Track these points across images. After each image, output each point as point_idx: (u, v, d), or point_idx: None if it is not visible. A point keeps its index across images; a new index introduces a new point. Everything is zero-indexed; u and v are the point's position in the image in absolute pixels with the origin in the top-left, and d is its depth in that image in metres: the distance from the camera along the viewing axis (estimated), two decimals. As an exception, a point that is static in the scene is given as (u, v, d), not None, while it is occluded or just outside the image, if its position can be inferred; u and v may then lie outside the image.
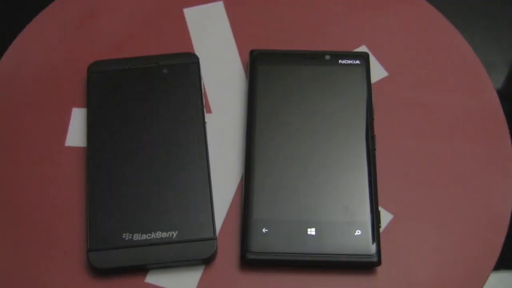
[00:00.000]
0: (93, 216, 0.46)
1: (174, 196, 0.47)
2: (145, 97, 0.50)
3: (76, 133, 0.51)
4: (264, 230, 0.46)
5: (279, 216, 0.46)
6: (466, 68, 0.54)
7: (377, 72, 0.53)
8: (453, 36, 0.55)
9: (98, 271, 0.45)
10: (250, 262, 0.45)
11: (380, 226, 0.46)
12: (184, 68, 0.51)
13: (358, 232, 0.45)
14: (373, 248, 0.45)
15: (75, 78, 0.53)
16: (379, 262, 0.45)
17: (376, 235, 0.45)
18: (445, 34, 0.55)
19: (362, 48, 0.54)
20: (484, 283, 0.46)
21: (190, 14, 0.56)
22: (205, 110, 0.50)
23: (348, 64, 0.51)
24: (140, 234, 0.46)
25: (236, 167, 0.50)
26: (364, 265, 0.45)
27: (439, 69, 0.54)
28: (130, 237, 0.45)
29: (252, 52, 0.52)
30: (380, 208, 0.48)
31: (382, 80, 0.53)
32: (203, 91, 0.51)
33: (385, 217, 0.48)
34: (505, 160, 0.50)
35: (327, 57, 0.52)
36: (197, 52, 0.54)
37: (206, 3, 0.57)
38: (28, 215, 0.48)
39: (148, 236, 0.45)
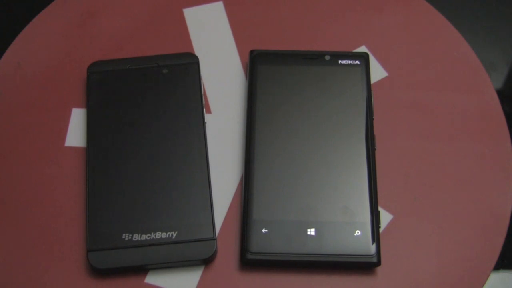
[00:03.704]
0: (93, 216, 0.46)
1: (174, 196, 0.47)
2: (145, 97, 0.50)
3: (76, 133, 0.51)
4: (264, 230, 0.46)
5: (279, 216, 0.46)
6: (466, 68, 0.54)
7: (377, 72, 0.53)
8: (453, 36, 0.55)
9: (98, 271, 0.45)
10: (249, 262, 0.45)
11: (380, 227, 0.46)
12: (184, 68, 0.51)
13: (358, 232, 0.45)
14: (373, 248, 0.45)
15: (75, 78, 0.53)
16: (378, 263, 0.45)
17: (376, 235, 0.45)
18: (445, 34, 0.55)
19: (362, 48, 0.54)
20: (484, 283, 0.46)
21: (190, 14, 0.56)
22: (205, 111, 0.50)
23: (348, 64, 0.51)
24: (140, 235, 0.46)
25: (236, 167, 0.50)
26: (363, 266, 0.45)
27: (439, 69, 0.54)
28: (130, 238, 0.45)
29: (252, 52, 0.52)
30: (380, 208, 0.48)
31: (382, 80, 0.53)
32: (203, 91, 0.51)
33: (385, 217, 0.48)
34: (505, 160, 0.50)
35: (327, 57, 0.52)
36: (197, 52, 0.54)
37: (206, 3, 0.57)
38: (28, 215, 0.48)
39: (148, 236, 0.45)
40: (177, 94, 0.50)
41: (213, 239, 0.46)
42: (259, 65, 0.51)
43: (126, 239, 0.45)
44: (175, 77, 0.51)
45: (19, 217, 0.48)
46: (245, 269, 0.46)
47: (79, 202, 0.48)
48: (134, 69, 0.51)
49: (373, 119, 0.50)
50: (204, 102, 0.51)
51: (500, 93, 0.53)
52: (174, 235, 0.45)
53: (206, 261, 0.46)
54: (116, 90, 0.51)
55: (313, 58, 0.52)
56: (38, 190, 0.49)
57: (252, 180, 0.47)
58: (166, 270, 0.46)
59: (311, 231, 0.46)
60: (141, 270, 0.46)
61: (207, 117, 0.51)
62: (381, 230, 0.47)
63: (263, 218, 0.46)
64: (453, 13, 0.57)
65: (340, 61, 0.51)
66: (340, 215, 0.46)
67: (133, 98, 0.50)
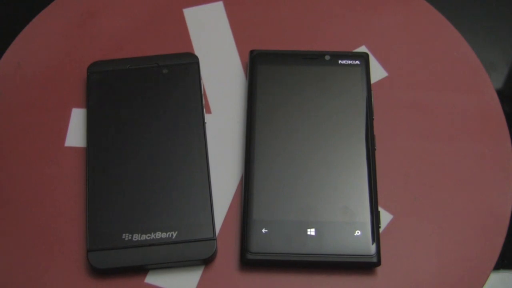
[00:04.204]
0: (93, 216, 0.46)
1: (174, 196, 0.47)
2: (145, 97, 0.50)
3: (76, 133, 0.51)
4: (264, 230, 0.46)
5: (279, 216, 0.46)
6: (466, 68, 0.54)
7: (377, 72, 0.53)
8: (453, 36, 0.55)
9: (98, 271, 0.45)
10: (250, 262, 0.45)
11: (380, 227, 0.46)
12: (184, 68, 0.51)
13: (358, 232, 0.45)
14: (373, 248, 0.45)
15: (75, 78, 0.53)
16: (378, 263, 0.45)
17: (376, 235, 0.45)
18: (445, 34, 0.55)
19: (362, 48, 0.54)
20: (484, 283, 0.46)
21: (190, 14, 0.56)
22: (205, 111, 0.50)
23: (348, 64, 0.51)
24: (140, 235, 0.45)
25: (236, 167, 0.50)
26: (363, 266, 0.45)
27: (439, 69, 0.54)
28: (130, 238, 0.45)
29: (252, 52, 0.52)
30: (380, 208, 0.48)
31: (382, 80, 0.53)
32: (203, 91, 0.51)
33: (385, 217, 0.48)
34: (505, 160, 0.50)
35: (327, 57, 0.52)
36: (196, 52, 0.54)
37: (206, 3, 0.57)
38: (27, 215, 0.48)
39: (148, 236, 0.45)
40: (177, 94, 0.50)
41: (213, 239, 0.46)
42: (259, 65, 0.51)
43: (126, 239, 0.45)
44: (175, 77, 0.51)
45: (19, 217, 0.48)
46: (245, 269, 0.46)
47: (79, 202, 0.48)
48: (134, 69, 0.51)
49: (373, 119, 0.50)
50: (204, 102, 0.51)
51: (500, 93, 0.53)
52: (174, 235, 0.45)
53: (206, 261, 0.46)
54: (116, 90, 0.51)
55: (313, 58, 0.52)
56: (38, 190, 0.49)
57: (252, 180, 0.47)
58: (166, 270, 0.46)
59: (311, 231, 0.46)
60: (141, 270, 0.46)
61: (207, 117, 0.51)
62: (381, 230, 0.47)
63: (263, 218, 0.46)
64: (453, 13, 0.57)
65: (340, 61, 0.51)
66: (340, 215, 0.46)
67: (133, 98, 0.50)
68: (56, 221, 0.48)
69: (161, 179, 0.47)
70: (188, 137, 0.49)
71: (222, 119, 0.52)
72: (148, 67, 0.51)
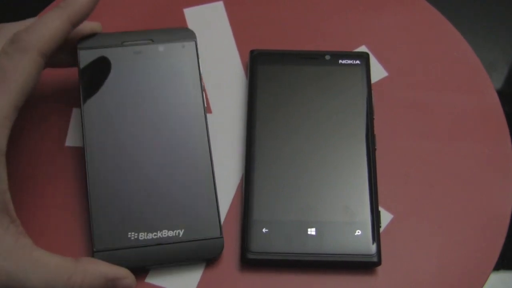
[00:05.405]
0: (97, 216, 0.45)
1: (179, 194, 0.46)
2: (143, 80, 0.48)
3: (76, 133, 0.51)
4: (264, 230, 0.46)
5: (279, 216, 0.46)
6: (466, 68, 0.54)
7: (377, 72, 0.53)
8: (453, 36, 0.55)
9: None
10: (250, 262, 0.45)
11: (380, 226, 0.46)
12: (181, 46, 0.49)
13: (358, 232, 0.45)
14: (373, 248, 0.45)
15: (75, 78, 0.53)
16: (379, 262, 0.45)
17: (376, 235, 0.45)
18: (445, 34, 0.55)
19: (362, 48, 0.54)
20: (484, 283, 0.46)
21: (190, 14, 0.56)
22: (204, 96, 0.49)
23: (348, 64, 0.51)
24: (146, 233, 0.45)
25: (236, 167, 0.50)
26: (364, 265, 0.45)
27: (439, 69, 0.54)
28: (136, 237, 0.45)
29: (252, 52, 0.52)
30: (380, 208, 0.48)
31: (382, 80, 0.53)
32: (201, 70, 0.49)
33: (385, 217, 0.48)
34: (505, 160, 0.50)
35: (327, 57, 0.52)
36: (197, 52, 0.54)
37: (206, 3, 0.57)
38: (28, 216, 0.48)
39: (154, 235, 0.45)
40: (175, 77, 0.48)
41: (220, 237, 0.45)
42: (259, 65, 0.52)
43: (132, 238, 0.45)
44: (171, 55, 0.48)
45: (20, 218, 0.48)
46: (245, 269, 0.46)
47: (81, 202, 0.48)
48: (128, 45, 0.48)
49: (373, 118, 0.50)
50: (203, 85, 0.49)
51: (500, 93, 0.53)
52: (181, 233, 0.45)
53: (211, 259, 0.46)
54: (109, 70, 0.48)
55: (313, 58, 0.52)
56: (38, 190, 0.49)
57: (253, 180, 0.47)
58: (167, 270, 0.46)
59: (312, 231, 0.46)
60: (148, 269, 0.46)
61: (208, 117, 0.51)
62: (381, 229, 0.47)
63: (263, 218, 0.46)
64: (453, 13, 0.57)
65: (340, 61, 0.51)
66: (340, 215, 0.46)
67: (129, 81, 0.48)
68: (59, 222, 0.48)
69: (165, 177, 0.46)
70: (191, 132, 0.47)
71: (222, 119, 0.52)
72: (142, 43, 0.49)
